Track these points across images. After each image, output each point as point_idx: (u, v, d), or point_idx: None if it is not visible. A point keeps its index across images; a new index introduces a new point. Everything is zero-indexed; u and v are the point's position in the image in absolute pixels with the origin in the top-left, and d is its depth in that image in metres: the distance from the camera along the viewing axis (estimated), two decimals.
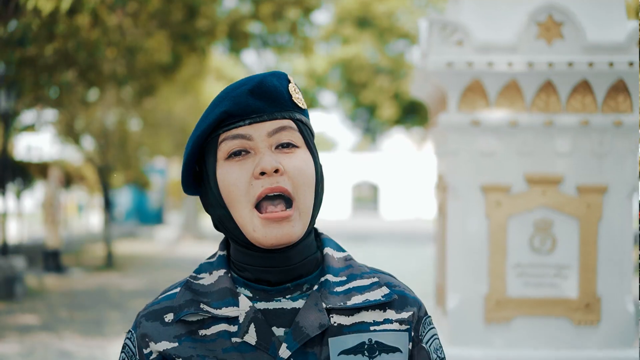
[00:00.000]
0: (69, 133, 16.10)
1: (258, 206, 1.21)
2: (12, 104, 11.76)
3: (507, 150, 3.35)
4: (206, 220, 36.19)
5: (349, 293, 1.25)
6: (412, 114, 24.84)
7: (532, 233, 3.34)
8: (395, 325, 1.25)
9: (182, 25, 10.48)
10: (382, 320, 1.25)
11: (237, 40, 12.99)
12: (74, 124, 15.86)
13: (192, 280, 1.29)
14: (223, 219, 1.26)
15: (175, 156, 23.61)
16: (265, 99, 1.23)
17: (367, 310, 1.25)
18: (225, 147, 1.23)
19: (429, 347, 1.28)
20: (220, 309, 1.23)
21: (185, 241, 24.77)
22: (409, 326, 1.26)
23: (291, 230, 1.20)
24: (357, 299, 1.24)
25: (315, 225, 1.30)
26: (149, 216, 28.16)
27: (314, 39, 20.25)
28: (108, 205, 17.22)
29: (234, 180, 1.22)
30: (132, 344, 1.28)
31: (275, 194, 1.20)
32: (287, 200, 1.21)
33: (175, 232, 23.61)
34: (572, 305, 3.32)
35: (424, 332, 1.28)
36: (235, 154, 1.22)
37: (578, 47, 3.27)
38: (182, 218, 26.53)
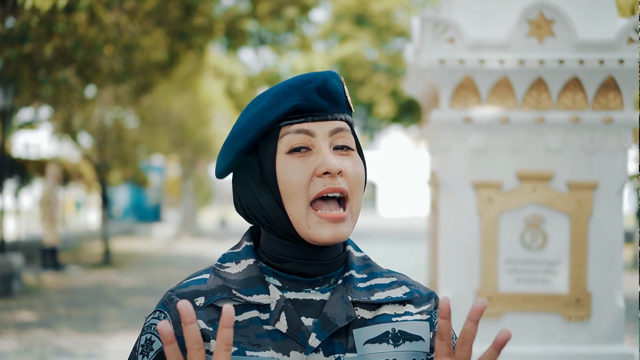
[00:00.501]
0: (67, 130, 16.11)
1: (312, 204, 1.25)
2: (10, 101, 11.77)
3: (499, 147, 3.38)
4: (204, 218, 36.19)
5: (372, 289, 1.31)
6: (410, 112, 24.87)
7: (523, 229, 3.37)
8: (417, 317, 1.31)
9: (180, 22, 10.48)
10: (402, 312, 1.31)
11: (235, 38, 13.01)
12: (72, 121, 15.87)
13: (219, 269, 1.30)
14: (270, 211, 1.27)
15: (173, 154, 23.60)
16: (329, 98, 1.27)
17: (388, 305, 1.30)
18: (287, 140, 1.25)
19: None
20: (252, 296, 1.26)
21: (183, 239, 24.78)
22: (429, 316, 1.32)
23: (345, 230, 1.25)
24: (379, 295, 1.30)
25: None
26: (146, 214, 28.16)
27: (312, 37, 20.27)
28: (106, 203, 17.23)
29: (297, 175, 1.24)
30: (164, 316, 1.27)
31: (333, 195, 1.24)
32: (340, 200, 1.25)
33: (173, 229, 23.62)
34: (563, 301, 3.34)
35: (436, 317, 1.33)
36: (297, 150, 1.25)
37: (569, 45, 3.29)
38: (180, 216, 26.55)
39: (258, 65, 25.53)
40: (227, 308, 1.06)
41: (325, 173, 1.23)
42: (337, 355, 1.24)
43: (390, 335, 1.27)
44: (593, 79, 3.31)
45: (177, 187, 28.77)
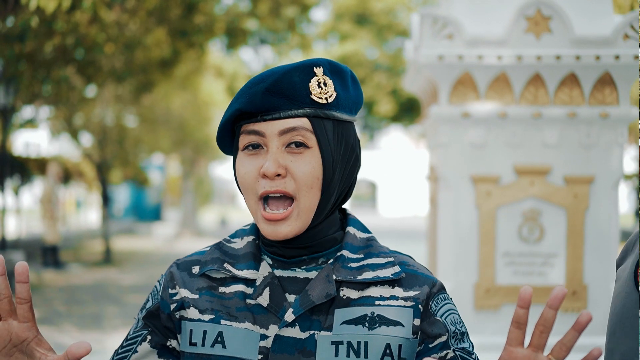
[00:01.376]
0: (67, 129, 16.15)
1: (264, 199, 1.31)
2: (11, 99, 11.82)
3: (497, 142, 3.43)
4: (204, 217, 36.24)
5: (362, 269, 1.33)
6: (410, 111, 24.91)
7: (520, 223, 3.43)
8: (400, 302, 1.32)
9: (181, 21, 10.54)
10: (388, 296, 1.33)
11: (235, 37, 13.05)
12: (72, 120, 15.92)
13: (224, 243, 1.40)
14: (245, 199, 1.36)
15: (173, 153, 23.64)
16: (280, 96, 1.28)
17: (376, 286, 1.33)
18: (242, 139, 1.32)
19: (445, 319, 1.33)
20: (242, 270, 1.34)
21: (184, 237, 24.83)
22: (414, 303, 1.32)
23: (286, 230, 1.29)
24: (367, 275, 1.33)
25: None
26: (147, 213, 28.20)
27: (312, 36, 20.29)
28: (106, 202, 17.28)
29: (245, 173, 1.31)
30: (159, 284, 1.41)
31: (276, 195, 1.29)
32: (290, 197, 1.29)
33: (173, 228, 23.66)
34: None
35: (437, 306, 1.34)
36: (251, 147, 1.31)
37: (566, 41, 3.35)
38: (181, 215, 26.59)
39: (258, 64, 25.57)
40: (20, 265, 1.19)
41: (264, 175, 1.28)
42: (312, 332, 1.29)
43: (368, 318, 1.30)
44: (589, 75, 3.36)
45: (177, 186, 28.82)
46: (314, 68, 1.30)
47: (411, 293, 1.34)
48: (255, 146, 1.30)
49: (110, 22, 9.60)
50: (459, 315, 1.37)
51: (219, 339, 1.30)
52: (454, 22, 3.35)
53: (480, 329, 3.42)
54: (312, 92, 1.30)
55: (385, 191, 44.77)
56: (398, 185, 44.56)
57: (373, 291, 1.33)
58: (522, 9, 3.35)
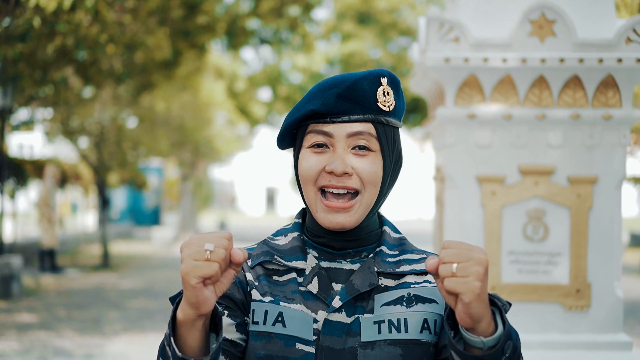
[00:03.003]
0: (64, 131, 16.30)
1: (323, 192, 1.52)
2: (9, 101, 12.00)
3: (502, 143, 3.62)
4: (204, 221, 36.34)
5: (399, 263, 1.56)
6: (414, 113, 25.06)
7: (525, 222, 3.61)
8: (433, 284, 1.55)
9: (182, 21, 10.72)
10: (422, 281, 1.56)
11: (237, 36, 13.23)
12: (70, 121, 16.07)
13: (269, 240, 1.61)
14: (300, 190, 1.57)
15: (172, 155, 23.78)
16: (352, 101, 1.49)
17: (411, 275, 1.56)
18: (310, 138, 1.52)
19: None
20: (291, 262, 1.55)
21: (182, 242, 24.93)
22: None
23: (347, 220, 1.51)
24: (405, 268, 1.56)
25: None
26: (144, 217, 28.33)
27: (314, 35, 20.45)
28: (104, 205, 17.43)
29: (309, 167, 1.52)
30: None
31: (341, 191, 1.50)
32: (354, 193, 1.51)
33: (172, 232, 23.80)
34: (563, 291, 3.58)
35: None
36: (317, 146, 1.51)
37: (569, 44, 3.54)
38: (179, 218, 26.73)
39: (259, 64, 25.74)
40: (236, 252, 1.30)
41: (331, 172, 1.49)
42: (357, 316, 1.50)
43: (405, 298, 1.53)
44: (593, 77, 3.55)
45: (176, 189, 28.96)
46: (380, 78, 1.51)
47: None
48: (320, 145, 1.51)
49: (112, 22, 9.78)
50: None
51: (280, 319, 1.50)
52: (459, 25, 3.54)
53: None
54: (379, 100, 1.51)
55: (389, 194, 44.89)
56: (402, 188, 44.66)
57: (408, 279, 1.56)
58: (526, 13, 3.54)
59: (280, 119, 31.50)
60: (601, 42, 3.52)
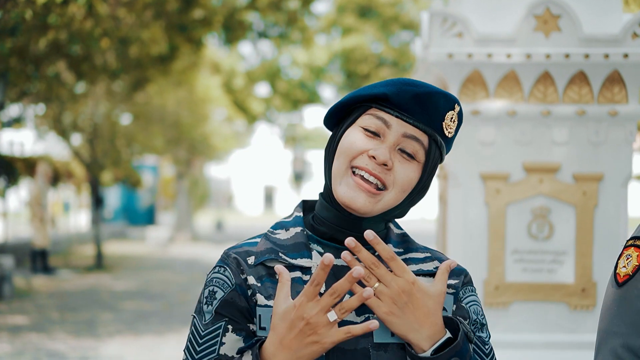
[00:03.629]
0: (57, 127, 16.34)
1: (354, 172, 1.54)
2: (0, 97, 12.03)
3: (506, 140, 3.68)
4: (200, 221, 36.41)
5: (406, 262, 1.59)
6: None
7: (530, 220, 3.67)
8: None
9: (178, 15, 10.76)
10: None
11: (234, 30, 13.27)
12: (62, 118, 16.11)
13: (269, 234, 1.62)
14: (326, 167, 1.59)
15: (167, 153, 23.83)
16: (423, 108, 1.53)
17: (419, 276, 1.57)
18: (367, 119, 1.55)
19: (469, 307, 1.60)
20: (296, 259, 1.56)
21: (178, 242, 25.03)
22: (454, 291, 1.59)
23: (366, 204, 1.53)
24: (412, 268, 1.58)
25: None
26: (139, 216, 28.38)
27: (314, 30, 20.50)
28: (97, 204, 17.48)
29: (354, 141, 1.54)
30: (225, 275, 1.57)
31: (371, 179, 1.52)
32: (380, 187, 1.53)
33: (167, 232, 23.86)
34: (569, 291, 3.65)
35: (464, 295, 1.60)
36: (370, 130, 1.54)
37: (574, 39, 3.60)
38: (175, 218, 26.78)
39: (257, 59, 25.78)
40: (327, 257, 1.39)
41: (373, 157, 1.52)
42: (367, 315, 1.53)
43: None
44: (598, 73, 3.61)
45: (171, 188, 29.02)
46: (455, 104, 1.56)
47: (451, 282, 1.60)
48: (373, 132, 1.53)
49: (106, 15, 9.83)
50: (481, 307, 1.63)
51: None
52: (463, 20, 3.60)
53: (489, 326, 3.66)
54: (445, 121, 1.55)
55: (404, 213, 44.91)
56: None
57: None
58: (531, 8, 3.60)
59: (279, 115, 31.53)
60: (607, 37, 3.58)
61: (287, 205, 55.05)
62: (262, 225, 38.00)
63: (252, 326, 1.54)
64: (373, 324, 1.39)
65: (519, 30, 3.62)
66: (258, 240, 1.63)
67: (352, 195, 1.53)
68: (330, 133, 1.65)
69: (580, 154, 3.67)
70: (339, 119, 1.62)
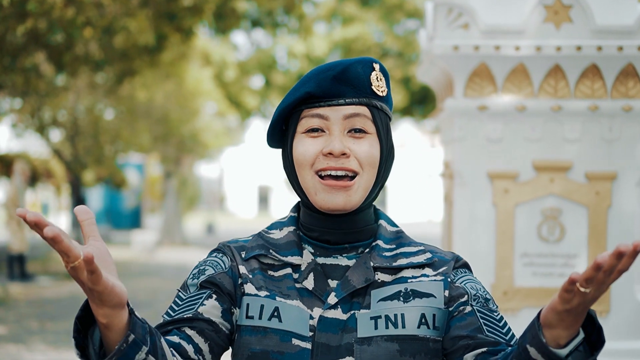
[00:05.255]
0: (35, 123, 16.40)
1: (321, 176, 1.67)
2: None
3: (515, 137, 3.78)
4: (189, 224, 36.52)
5: (396, 257, 1.72)
6: (423, 103, 25.18)
7: (540, 221, 3.77)
8: (432, 278, 1.70)
9: (167, 2, 10.83)
10: (419, 275, 1.71)
11: (226, 19, 13.34)
12: (41, 112, 16.17)
13: (263, 233, 1.77)
14: (292, 182, 1.73)
15: (154, 151, 23.88)
16: (347, 84, 1.67)
17: (408, 269, 1.71)
18: (305, 122, 1.69)
19: (465, 285, 1.70)
20: (287, 257, 1.71)
21: (166, 247, 25.08)
22: (443, 277, 1.70)
23: (347, 200, 1.67)
24: (402, 261, 1.71)
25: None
26: (123, 219, 28.45)
27: (312, 18, 20.58)
28: (79, 205, 17.57)
29: (305, 151, 1.68)
30: (220, 259, 1.72)
31: (339, 173, 1.66)
32: (351, 176, 1.67)
33: (154, 236, 23.91)
34: None
35: (455, 276, 1.71)
36: (312, 130, 1.68)
37: (587, 31, 3.69)
38: (162, 221, 26.85)
39: (251, 49, 25.85)
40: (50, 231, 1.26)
41: (329, 154, 1.65)
42: (353, 312, 1.66)
43: (402, 293, 1.68)
44: (612, 66, 3.70)
45: (158, 188, 29.10)
46: (373, 64, 1.70)
47: (440, 270, 1.72)
48: (315, 130, 1.67)
49: (89, 3, 9.89)
50: (482, 285, 1.74)
51: (275, 314, 1.66)
52: (469, 11, 3.70)
53: None
54: (372, 84, 1.69)
55: (396, 194, 45.02)
56: (410, 187, 44.82)
57: (405, 273, 1.71)
58: None
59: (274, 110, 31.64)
60: (621, 28, 3.68)
61: (283, 207, 55.13)
62: (256, 228, 38.06)
63: (234, 309, 1.68)
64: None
65: (528, 21, 3.71)
66: (251, 238, 1.78)
67: (330, 199, 1.66)
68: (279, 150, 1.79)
69: (593, 151, 3.76)
70: (281, 134, 1.75)
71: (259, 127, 47.65)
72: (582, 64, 3.71)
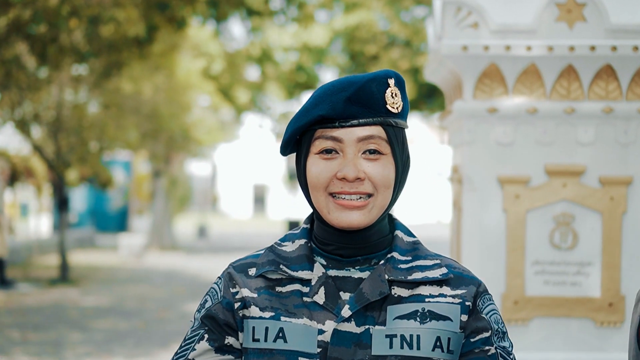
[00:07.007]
0: (15, 118, 16.46)
1: (335, 197, 1.80)
2: None
3: (526, 140, 3.91)
4: (179, 226, 36.58)
5: (411, 270, 1.83)
6: (432, 97, 25.25)
7: (552, 228, 3.91)
8: (449, 299, 1.82)
9: None
10: (437, 294, 1.83)
11: (220, 7, 13.43)
12: (21, 107, 16.23)
13: (275, 246, 1.89)
14: (306, 196, 1.85)
15: (142, 148, 23.93)
16: (360, 105, 1.78)
17: (425, 285, 1.83)
18: (318, 144, 1.80)
19: (490, 318, 1.84)
20: (297, 271, 1.84)
21: (154, 251, 25.17)
22: (461, 300, 1.82)
23: (361, 218, 1.79)
24: (417, 275, 1.83)
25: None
26: (109, 221, 28.53)
27: (313, 5, 20.67)
28: (62, 206, 17.64)
29: (319, 173, 1.80)
30: (219, 286, 1.88)
31: (354, 197, 1.78)
32: (367, 195, 1.79)
33: (141, 240, 24.03)
34: (595, 305, 3.88)
35: (483, 305, 1.85)
36: (326, 152, 1.80)
37: (601, 30, 3.83)
38: (150, 223, 26.91)
39: (246, 40, 25.93)
40: None
41: (343, 178, 1.78)
42: (367, 327, 1.79)
43: (419, 313, 1.81)
44: (627, 67, 3.84)
45: (146, 188, 29.17)
46: (388, 79, 1.81)
47: (458, 291, 1.84)
48: (329, 151, 1.80)
49: None
50: (500, 316, 1.89)
51: (280, 335, 1.80)
52: (479, 9, 3.84)
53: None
54: (387, 102, 1.80)
55: (404, 194, 45.08)
56: (418, 186, 44.89)
57: (423, 290, 1.83)
58: None
59: (271, 104, 31.73)
60: (637, 27, 3.81)
61: (280, 208, 55.13)
62: (251, 231, 38.14)
63: (229, 339, 1.83)
64: None
65: (540, 20, 3.84)
66: (263, 252, 1.91)
67: (345, 216, 1.79)
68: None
69: (608, 155, 3.88)
70: (295, 147, 1.87)
71: (254, 122, 47.71)
72: (596, 64, 3.84)
